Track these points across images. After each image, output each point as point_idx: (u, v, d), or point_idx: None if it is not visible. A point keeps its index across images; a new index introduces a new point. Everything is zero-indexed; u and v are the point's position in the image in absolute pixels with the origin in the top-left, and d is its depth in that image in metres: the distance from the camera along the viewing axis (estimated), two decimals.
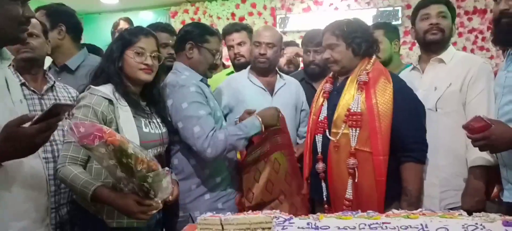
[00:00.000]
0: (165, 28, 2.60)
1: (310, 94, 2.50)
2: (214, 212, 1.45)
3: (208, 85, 2.09)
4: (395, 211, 1.39)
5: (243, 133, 1.90)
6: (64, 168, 1.56)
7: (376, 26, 2.68)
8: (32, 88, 1.86)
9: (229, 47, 2.79)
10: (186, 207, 1.94)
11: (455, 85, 1.94)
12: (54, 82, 1.91)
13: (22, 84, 1.88)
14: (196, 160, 1.94)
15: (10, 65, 1.62)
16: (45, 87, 1.89)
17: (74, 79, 2.08)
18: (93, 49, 2.66)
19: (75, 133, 1.33)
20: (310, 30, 2.85)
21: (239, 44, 2.75)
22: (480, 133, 1.52)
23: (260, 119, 1.95)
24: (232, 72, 2.77)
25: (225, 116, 2.27)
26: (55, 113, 1.13)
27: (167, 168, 1.52)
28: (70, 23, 2.29)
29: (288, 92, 2.41)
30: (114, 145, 1.35)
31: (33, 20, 1.80)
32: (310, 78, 2.66)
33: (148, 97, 1.82)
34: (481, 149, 1.60)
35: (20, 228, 1.27)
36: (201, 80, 2.00)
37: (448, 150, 1.93)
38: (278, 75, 2.43)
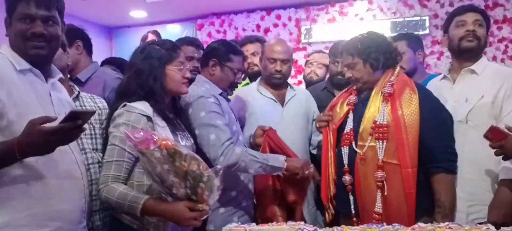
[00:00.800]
0: (192, 42, 2.73)
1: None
2: None
3: (228, 100, 2.15)
4: (421, 224, 1.38)
5: (261, 158, 1.93)
6: (108, 187, 1.57)
7: (398, 37, 2.66)
8: None
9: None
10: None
11: (487, 97, 1.91)
12: (79, 92, 1.98)
13: None
14: None
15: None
16: (71, 97, 1.96)
17: (83, 91, 2.14)
18: (122, 63, 2.77)
19: (132, 138, 1.41)
20: (338, 41, 2.87)
21: (253, 54, 2.88)
22: (498, 141, 1.57)
23: (285, 159, 1.98)
24: (247, 83, 2.82)
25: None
26: (73, 119, 1.22)
27: (218, 167, 1.55)
28: (85, 39, 2.42)
29: (299, 103, 2.44)
30: (168, 148, 1.41)
31: None
32: (335, 88, 2.68)
33: (176, 110, 1.87)
34: (497, 154, 1.64)
35: (56, 228, 1.36)
36: (220, 94, 2.05)
37: (477, 164, 1.90)
38: (288, 86, 2.46)
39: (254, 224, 1.48)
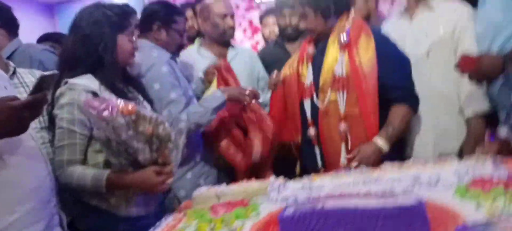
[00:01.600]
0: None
1: (284, 58, 2.48)
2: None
3: (176, 62, 2.07)
4: (388, 163, 1.41)
5: (204, 108, 1.89)
6: (65, 173, 1.49)
7: None
8: None
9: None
10: (171, 187, 1.91)
11: (446, 32, 1.93)
12: (15, 68, 1.86)
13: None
14: None
15: None
16: (7, 75, 1.84)
17: None
18: (60, 37, 2.68)
19: (95, 107, 1.33)
20: None
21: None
22: (472, 67, 1.59)
23: (222, 90, 1.94)
24: None
25: None
26: (41, 88, 1.14)
27: (182, 124, 1.53)
28: (4, 16, 2.30)
29: (242, 62, 2.41)
30: (132, 113, 1.35)
31: None
32: (286, 41, 2.67)
33: (125, 79, 1.72)
34: (478, 82, 1.67)
35: (27, 210, 1.26)
36: (171, 58, 1.98)
37: (441, 97, 1.94)
38: (229, 46, 2.42)
39: (224, 184, 1.46)
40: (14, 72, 1.82)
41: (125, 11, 1.64)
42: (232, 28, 2.36)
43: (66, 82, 1.52)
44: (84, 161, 1.54)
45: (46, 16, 5.75)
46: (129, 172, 1.48)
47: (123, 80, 1.69)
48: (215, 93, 1.94)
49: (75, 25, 1.61)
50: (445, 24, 1.94)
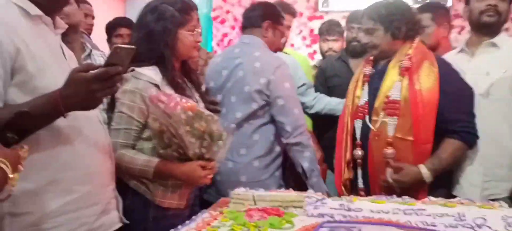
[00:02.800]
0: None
1: (345, 73, 2.51)
2: None
3: None
4: (431, 198, 1.37)
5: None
6: (117, 153, 1.53)
7: (423, 9, 2.56)
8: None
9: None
10: (265, 183, 1.93)
11: (509, 71, 1.85)
12: (91, 50, 1.94)
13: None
14: (275, 137, 2.05)
15: None
16: (82, 56, 1.93)
17: None
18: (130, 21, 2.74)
19: (163, 101, 1.43)
20: (355, 10, 2.81)
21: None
22: None
23: None
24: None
25: None
26: (114, 61, 1.10)
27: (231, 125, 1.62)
28: None
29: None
30: (193, 110, 1.44)
31: None
32: (351, 55, 2.67)
33: (185, 72, 1.79)
34: None
35: (85, 192, 1.26)
36: None
37: (495, 139, 1.86)
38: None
39: (262, 189, 1.48)
40: (89, 54, 1.92)
41: (187, 6, 1.69)
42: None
43: (132, 70, 1.61)
44: (134, 146, 1.62)
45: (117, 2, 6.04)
46: (176, 163, 1.55)
47: (183, 74, 1.76)
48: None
49: (140, 21, 1.68)
50: (508, 63, 1.86)
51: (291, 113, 2.00)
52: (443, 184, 1.87)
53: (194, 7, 1.72)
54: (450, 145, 1.79)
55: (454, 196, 1.87)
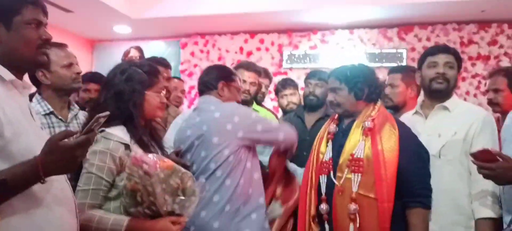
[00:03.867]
0: (162, 62, 2.78)
1: (300, 128, 2.59)
2: None
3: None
4: None
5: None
6: (84, 215, 1.53)
7: (394, 70, 2.75)
8: (59, 117, 1.97)
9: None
10: (238, 226, 1.98)
11: (459, 134, 1.97)
12: (78, 110, 1.98)
13: (51, 113, 1.98)
14: (244, 180, 2.04)
15: (36, 93, 1.63)
16: (69, 116, 1.99)
17: None
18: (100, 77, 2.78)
19: (146, 162, 1.46)
20: (314, 69, 3.02)
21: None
22: (489, 159, 1.60)
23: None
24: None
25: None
26: (93, 128, 1.16)
27: (202, 181, 1.64)
28: None
29: None
30: (170, 168, 1.48)
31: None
32: (307, 109, 2.84)
33: (150, 130, 1.82)
34: (485, 177, 1.66)
35: None
36: None
37: (450, 197, 1.95)
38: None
39: None
40: (76, 115, 1.98)
41: (155, 70, 1.77)
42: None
43: (102, 131, 1.61)
44: (101, 206, 1.61)
45: (85, 51, 6.05)
46: (148, 220, 1.54)
47: (149, 134, 1.79)
48: None
49: (110, 81, 1.72)
50: (459, 126, 1.98)
51: (274, 128, 2.13)
52: None
53: (161, 71, 1.80)
54: (417, 217, 1.84)
55: None
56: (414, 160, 1.88)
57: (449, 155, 1.97)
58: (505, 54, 4.86)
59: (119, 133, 1.62)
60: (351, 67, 2.04)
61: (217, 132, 2.00)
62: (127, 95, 1.67)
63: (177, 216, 1.55)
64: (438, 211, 1.93)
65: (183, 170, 1.54)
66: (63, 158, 1.12)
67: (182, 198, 1.52)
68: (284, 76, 5.21)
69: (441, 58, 2.08)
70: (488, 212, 1.86)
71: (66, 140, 1.12)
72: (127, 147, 1.61)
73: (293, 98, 3.26)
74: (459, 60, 2.13)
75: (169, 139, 2.42)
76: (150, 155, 1.51)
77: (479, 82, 4.90)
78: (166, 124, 2.67)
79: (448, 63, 2.07)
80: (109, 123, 1.58)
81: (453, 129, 1.99)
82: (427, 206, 1.87)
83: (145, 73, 1.71)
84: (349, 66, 2.05)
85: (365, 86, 1.98)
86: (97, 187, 1.57)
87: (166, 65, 2.79)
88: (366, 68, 2.07)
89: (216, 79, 2.17)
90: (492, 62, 4.87)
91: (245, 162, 2.02)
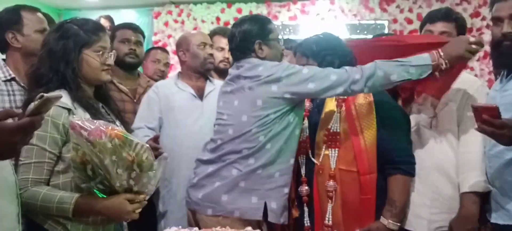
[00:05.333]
0: (130, 26, 2.67)
1: None
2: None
3: None
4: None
5: (400, 62, 1.66)
6: (28, 192, 1.40)
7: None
8: (22, 84, 1.85)
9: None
10: (265, 194, 1.77)
11: (451, 105, 1.87)
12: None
13: (12, 79, 1.85)
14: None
15: None
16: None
17: None
18: None
19: (85, 127, 1.30)
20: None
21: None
22: (491, 114, 1.38)
23: (431, 54, 1.64)
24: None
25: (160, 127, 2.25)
26: (40, 110, 1.00)
27: (164, 155, 1.48)
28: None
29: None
30: (119, 138, 1.32)
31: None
32: None
33: (102, 98, 1.66)
34: (487, 134, 1.46)
35: None
36: None
37: (441, 170, 1.85)
38: (208, 80, 2.39)
39: (196, 229, 1.36)
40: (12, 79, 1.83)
41: (96, 27, 1.59)
42: (212, 57, 2.37)
43: (41, 96, 1.43)
44: (48, 183, 1.46)
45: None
46: (99, 197, 1.42)
47: (98, 98, 1.63)
48: (422, 55, 1.68)
49: (44, 40, 1.58)
50: (451, 96, 1.87)
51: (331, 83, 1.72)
52: None
53: (103, 29, 1.60)
54: (397, 183, 1.77)
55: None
56: (392, 126, 1.80)
57: (440, 126, 1.87)
58: (488, 26, 4.80)
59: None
60: (316, 39, 1.91)
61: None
62: (59, 54, 1.51)
63: (135, 194, 1.42)
64: (429, 183, 1.85)
65: (136, 140, 1.37)
66: (1, 141, 0.96)
67: (138, 173, 1.38)
68: None
69: (438, 28, 1.94)
70: (476, 186, 1.75)
71: (5, 121, 0.96)
72: (70, 112, 1.45)
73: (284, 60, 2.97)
74: (462, 28, 1.96)
75: (141, 117, 2.26)
76: (96, 122, 1.35)
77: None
78: (135, 95, 2.50)
79: (445, 33, 1.92)
80: (47, 86, 1.46)
81: (446, 99, 1.87)
82: (408, 173, 1.79)
83: (83, 30, 1.54)
84: (313, 38, 1.92)
85: (334, 58, 1.84)
86: (40, 159, 1.43)
87: (135, 29, 2.63)
88: (332, 37, 1.94)
89: None
90: (474, 35, 4.80)
91: None
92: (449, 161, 1.84)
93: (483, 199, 1.76)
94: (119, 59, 2.44)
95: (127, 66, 2.53)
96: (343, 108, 1.81)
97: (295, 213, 1.90)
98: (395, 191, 1.76)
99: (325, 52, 1.85)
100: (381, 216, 1.74)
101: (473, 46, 1.64)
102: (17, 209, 1.25)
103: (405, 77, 1.66)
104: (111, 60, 1.59)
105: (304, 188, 1.85)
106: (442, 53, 1.64)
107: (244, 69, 1.83)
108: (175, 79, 2.37)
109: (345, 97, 1.81)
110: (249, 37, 1.85)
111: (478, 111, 1.42)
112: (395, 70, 1.66)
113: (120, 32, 2.58)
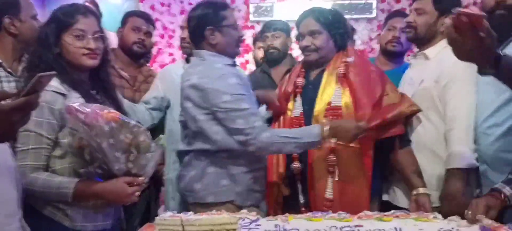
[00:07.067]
0: (142, 15, 2.61)
1: (267, 84, 2.49)
2: None
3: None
4: (367, 212, 1.33)
5: (292, 136, 1.72)
6: (27, 179, 1.39)
7: None
8: (8, 70, 1.79)
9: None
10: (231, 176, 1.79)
11: (427, 82, 1.86)
12: None
13: None
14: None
15: None
16: (20, 69, 1.78)
17: None
18: None
19: (81, 111, 1.30)
20: (269, 20, 2.92)
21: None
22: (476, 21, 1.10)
23: (321, 128, 1.70)
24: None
25: (166, 109, 2.27)
26: (35, 89, 0.98)
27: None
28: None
29: None
30: (116, 121, 1.33)
31: None
32: (269, 64, 2.68)
33: (98, 85, 1.63)
34: (455, 47, 1.18)
35: None
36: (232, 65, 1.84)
37: (426, 150, 1.86)
38: None
39: (191, 213, 1.36)
40: None
41: (72, 9, 1.55)
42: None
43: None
44: (47, 168, 1.46)
45: (36, 5, 5.60)
46: (97, 181, 1.43)
47: (92, 83, 1.61)
48: (312, 129, 1.73)
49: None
50: (428, 74, 1.87)
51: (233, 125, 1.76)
52: (378, 193, 1.90)
53: (84, 11, 1.55)
54: (410, 155, 1.83)
55: (387, 203, 1.88)
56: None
57: (421, 103, 1.84)
58: (475, 3, 4.82)
59: (54, 82, 1.44)
60: (333, 11, 1.93)
61: None
62: (42, 41, 1.52)
63: (134, 177, 1.43)
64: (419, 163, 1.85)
65: (133, 122, 1.39)
66: None
67: (136, 155, 1.39)
68: (251, 31, 5.02)
69: (412, 6, 1.97)
70: (459, 162, 1.73)
71: (1, 101, 0.95)
72: (65, 97, 1.45)
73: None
74: (438, 2, 1.90)
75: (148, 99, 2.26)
76: (91, 105, 1.36)
77: None
78: (134, 83, 2.45)
79: (417, 10, 1.91)
80: (34, 72, 1.40)
81: (421, 78, 1.88)
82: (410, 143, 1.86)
83: (61, 14, 1.52)
84: (329, 9, 1.93)
85: (345, 36, 1.88)
86: (37, 146, 1.42)
87: (147, 19, 2.55)
88: (341, 14, 1.98)
89: None
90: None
91: None
92: (432, 138, 1.83)
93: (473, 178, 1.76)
94: (126, 46, 2.43)
95: (133, 55, 2.47)
96: (346, 86, 1.82)
97: (285, 192, 1.90)
98: (413, 163, 1.81)
99: (338, 25, 1.87)
100: (420, 188, 1.76)
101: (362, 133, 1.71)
102: (18, 195, 1.24)
103: (295, 152, 1.78)
104: (93, 44, 1.52)
105: (297, 164, 1.85)
106: (330, 133, 1.69)
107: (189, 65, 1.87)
108: (183, 64, 2.36)
109: (346, 73, 1.83)
110: (201, 23, 1.78)
111: (459, 19, 1.09)
112: (287, 147, 1.71)
113: (132, 18, 2.51)
